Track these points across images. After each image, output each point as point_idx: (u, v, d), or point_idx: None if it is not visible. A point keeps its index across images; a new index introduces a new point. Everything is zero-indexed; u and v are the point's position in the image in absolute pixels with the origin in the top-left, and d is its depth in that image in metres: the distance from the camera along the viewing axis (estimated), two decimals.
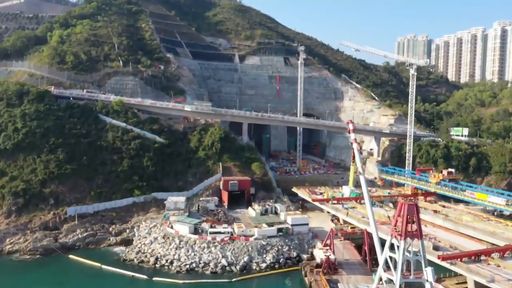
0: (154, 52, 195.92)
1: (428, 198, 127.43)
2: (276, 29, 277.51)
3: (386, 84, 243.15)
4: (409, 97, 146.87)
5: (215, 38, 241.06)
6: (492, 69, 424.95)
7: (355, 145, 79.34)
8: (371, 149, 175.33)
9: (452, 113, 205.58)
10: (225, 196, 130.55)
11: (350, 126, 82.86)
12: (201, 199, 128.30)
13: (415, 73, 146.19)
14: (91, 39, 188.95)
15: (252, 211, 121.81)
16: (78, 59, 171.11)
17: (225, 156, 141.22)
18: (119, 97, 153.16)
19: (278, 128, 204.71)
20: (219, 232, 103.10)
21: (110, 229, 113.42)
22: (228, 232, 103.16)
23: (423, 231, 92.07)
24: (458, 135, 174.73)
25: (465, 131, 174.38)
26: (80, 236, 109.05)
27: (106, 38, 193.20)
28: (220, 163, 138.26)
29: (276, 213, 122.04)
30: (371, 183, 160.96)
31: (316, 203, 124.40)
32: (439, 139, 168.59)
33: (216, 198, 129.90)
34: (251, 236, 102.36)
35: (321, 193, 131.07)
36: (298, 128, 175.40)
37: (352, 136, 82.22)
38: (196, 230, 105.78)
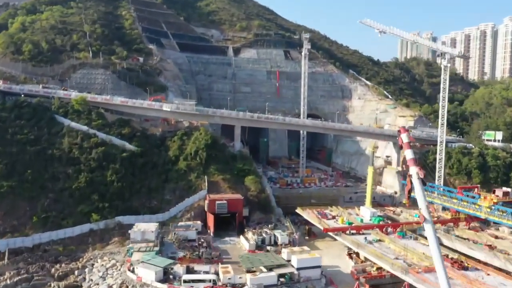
0: (133, 43, 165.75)
1: (471, 224, 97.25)
2: (275, 21, 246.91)
3: (399, 81, 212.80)
4: (440, 94, 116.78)
5: (206, 29, 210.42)
6: (503, 67, 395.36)
7: (414, 170, 48.07)
8: (387, 157, 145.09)
9: (478, 113, 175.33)
10: (210, 220, 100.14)
11: (404, 137, 51.29)
12: (179, 224, 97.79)
13: (449, 65, 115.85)
14: (58, 26, 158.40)
15: (245, 242, 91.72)
16: (38, 49, 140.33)
17: (212, 167, 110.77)
18: (83, 93, 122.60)
19: (277, 131, 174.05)
20: (198, 280, 72.67)
21: (53, 270, 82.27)
22: (210, 280, 72.74)
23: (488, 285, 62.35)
24: (490, 140, 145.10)
25: (499, 135, 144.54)
26: (9, 281, 78.21)
27: (77, 25, 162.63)
28: (206, 177, 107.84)
29: (275, 243, 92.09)
30: (390, 198, 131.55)
31: (329, 232, 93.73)
32: (470, 145, 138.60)
33: (199, 222, 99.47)
34: (242, 286, 72.08)
35: (333, 217, 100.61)
36: (301, 132, 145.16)
37: (410, 154, 50.66)
38: (166, 275, 75.52)
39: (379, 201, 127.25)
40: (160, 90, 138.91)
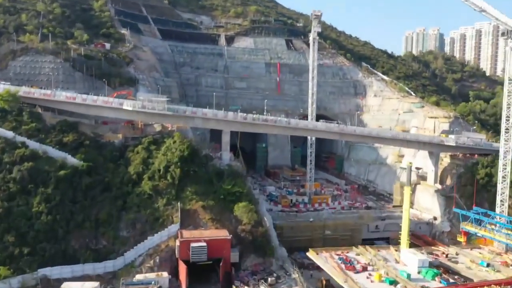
0: (102, 27, 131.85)
1: None
2: (275, 9, 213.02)
3: (419, 76, 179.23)
4: (505, 86, 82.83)
5: (195, 14, 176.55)
6: None
7: None
8: (418, 169, 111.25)
9: None
10: (182, 271, 66.68)
11: None
12: (136, 279, 64.49)
13: None
14: (6, 4, 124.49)
15: None
16: None
17: (188, 190, 77.15)
18: (15, 87, 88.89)
19: (278, 135, 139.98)
20: None
21: None
22: None
23: None
24: None
25: None
26: None
27: (30, 5, 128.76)
28: (179, 204, 74.50)
29: None
30: (428, 226, 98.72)
31: None
32: None
33: (165, 275, 66.12)
34: None
35: (364, 268, 66.38)
36: (309, 138, 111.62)
37: None
38: None
39: (413, 230, 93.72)
40: (128, 84, 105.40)
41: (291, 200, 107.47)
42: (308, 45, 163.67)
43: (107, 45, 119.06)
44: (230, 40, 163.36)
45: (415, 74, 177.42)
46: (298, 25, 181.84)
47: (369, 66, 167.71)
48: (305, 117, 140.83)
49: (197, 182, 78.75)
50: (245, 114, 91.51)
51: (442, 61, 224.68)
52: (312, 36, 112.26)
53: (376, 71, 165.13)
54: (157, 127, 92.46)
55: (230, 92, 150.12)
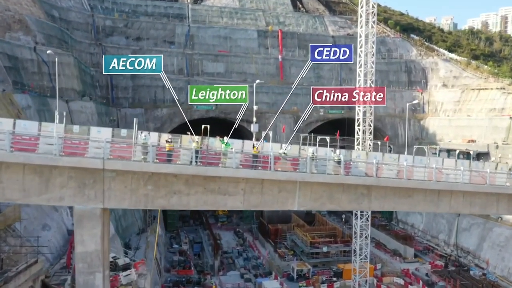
0: None
1: None
2: None
3: (497, 55, 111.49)
4: None
5: None
6: None
7: None
8: None
9: None
10: None
11: None
12: None
13: None
14: None
15: None
16: None
17: None
18: None
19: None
20: None
21: None
22: None
23: None
24: None
25: None
26: None
27: None
28: None
29: None
30: None
31: None
32: None
33: None
34: None
35: None
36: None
37: None
38: None
39: None
40: None
41: None
42: (326, 5, 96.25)
43: None
44: None
45: (493, 55, 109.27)
46: None
47: (424, 40, 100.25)
48: (324, 123, 74.93)
49: None
50: (170, 136, 21.81)
51: (500, 42, 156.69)
52: None
53: (437, 48, 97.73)
54: None
55: (195, 80, 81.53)
